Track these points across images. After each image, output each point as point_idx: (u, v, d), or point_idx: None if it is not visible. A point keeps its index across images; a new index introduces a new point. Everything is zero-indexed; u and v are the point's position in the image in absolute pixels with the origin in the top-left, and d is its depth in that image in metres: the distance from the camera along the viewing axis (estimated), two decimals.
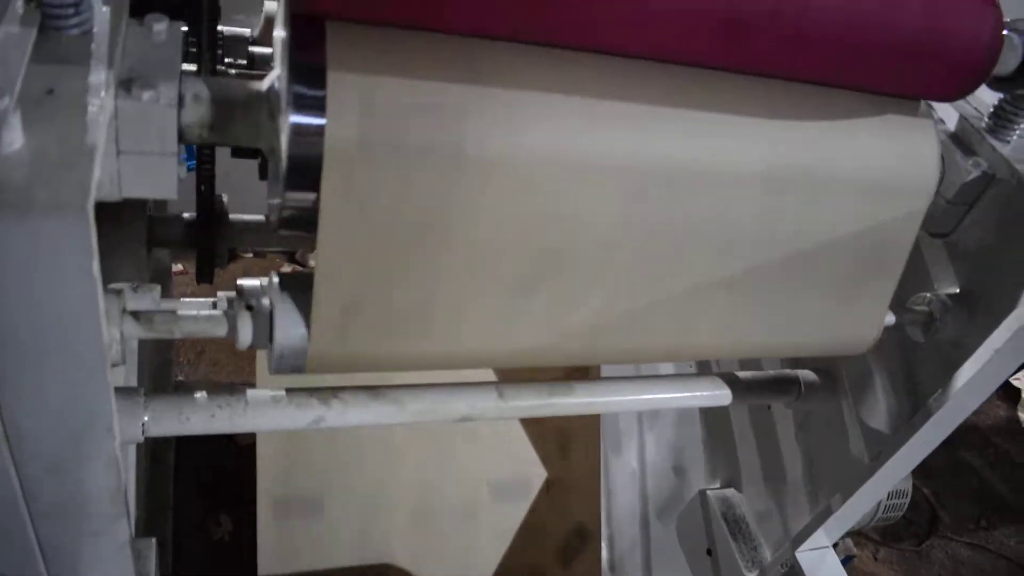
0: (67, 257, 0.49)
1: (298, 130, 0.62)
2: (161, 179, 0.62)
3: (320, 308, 0.66)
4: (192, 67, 0.86)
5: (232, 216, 0.97)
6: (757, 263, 0.79)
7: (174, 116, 0.59)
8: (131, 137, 0.59)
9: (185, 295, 1.93)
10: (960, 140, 0.92)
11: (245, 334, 0.69)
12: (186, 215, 0.97)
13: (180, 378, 1.63)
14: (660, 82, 0.70)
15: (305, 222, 0.65)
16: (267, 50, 1.08)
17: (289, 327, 0.68)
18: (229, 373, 1.68)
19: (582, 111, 0.68)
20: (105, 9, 0.61)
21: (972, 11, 0.76)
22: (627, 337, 0.78)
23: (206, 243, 0.93)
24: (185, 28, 0.90)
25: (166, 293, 1.38)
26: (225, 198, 0.96)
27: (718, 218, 0.74)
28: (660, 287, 0.76)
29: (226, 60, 1.06)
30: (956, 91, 0.81)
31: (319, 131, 0.61)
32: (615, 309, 0.75)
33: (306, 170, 0.62)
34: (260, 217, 0.99)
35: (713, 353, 0.89)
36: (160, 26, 0.64)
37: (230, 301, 0.80)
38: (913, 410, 1.01)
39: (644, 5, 0.63)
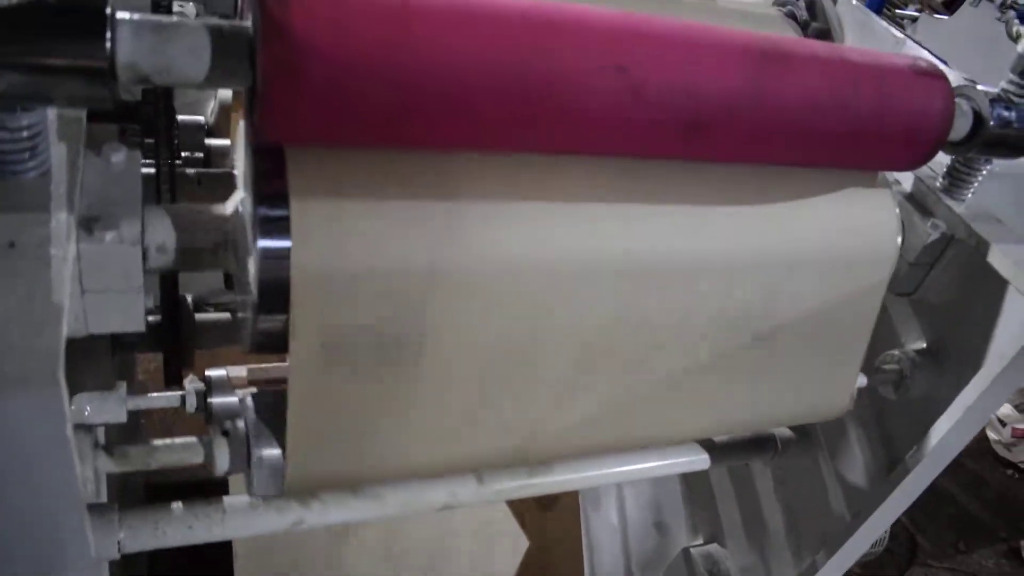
0: (39, 425, 0.48)
1: (267, 254, 0.61)
2: (128, 314, 0.61)
3: (295, 432, 0.65)
4: (151, 166, 0.85)
5: (198, 316, 0.95)
6: (729, 347, 0.79)
7: (138, 255, 0.58)
8: (95, 277, 0.58)
9: (149, 371, 1.88)
10: (917, 200, 0.94)
11: (222, 461, 0.68)
12: (151, 318, 0.95)
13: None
14: (625, 180, 0.71)
15: (277, 343, 0.64)
16: (224, 142, 1.08)
17: (265, 452, 0.67)
18: None
19: (549, 216, 0.68)
20: (61, 144, 0.60)
21: (923, 87, 0.77)
22: (606, 431, 0.78)
23: (172, 348, 0.91)
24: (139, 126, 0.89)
25: (131, 382, 1.35)
26: (189, 298, 0.95)
27: (689, 308, 0.75)
28: (638, 380, 0.76)
29: (183, 154, 1.05)
30: (913, 163, 0.83)
31: (288, 254, 0.60)
32: (595, 405, 0.75)
33: (277, 293, 0.61)
34: (226, 315, 0.97)
35: (692, 436, 0.90)
36: (118, 156, 0.63)
37: (199, 395, 0.79)
38: (890, 464, 1.02)
39: (611, 114, 0.64)
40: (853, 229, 0.82)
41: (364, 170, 0.62)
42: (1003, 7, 2.53)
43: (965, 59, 2.84)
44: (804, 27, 1.04)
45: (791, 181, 0.79)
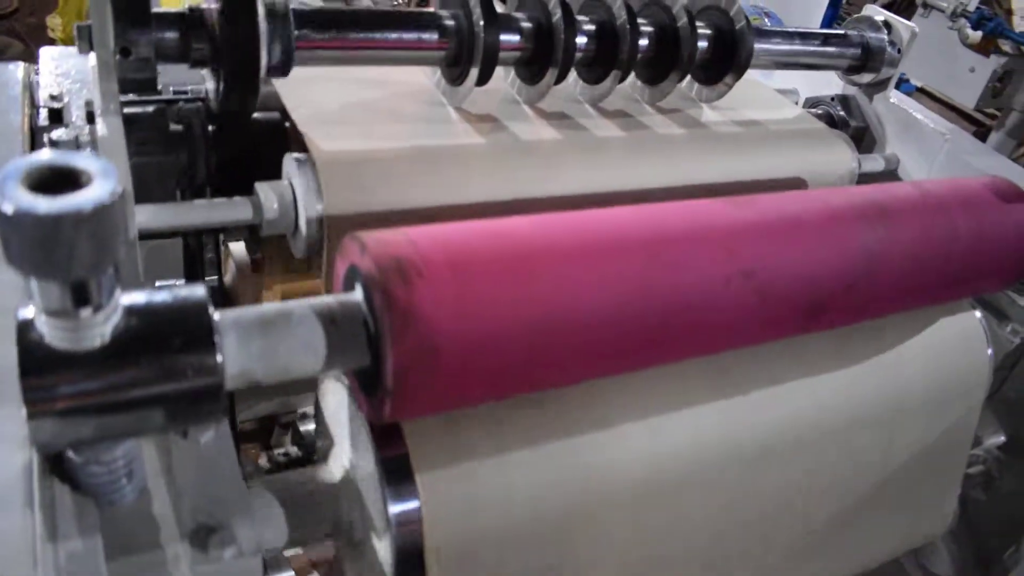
0: None
1: (400, 521, 0.55)
2: None
3: None
4: None
5: None
6: (847, 500, 0.76)
7: (259, 565, 0.52)
8: None
9: None
10: (990, 304, 0.91)
11: None
12: None
13: None
14: (737, 365, 0.67)
15: None
16: None
17: None
18: None
19: (669, 419, 0.63)
20: (149, 444, 0.54)
21: (1009, 213, 0.75)
22: None
23: None
24: None
25: None
26: None
27: (812, 474, 0.71)
28: (765, 550, 0.72)
29: None
30: (1006, 285, 0.80)
31: (419, 516, 0.55)
32: None
33: (412, 560, 0.56)
34: None
35: None
36: (207, 437, 0.57)
37: None
38: (982, 562, 0.99)
39: (736, 319, 0.59)
40: (949, 362, 0.79)
41: (484, 421, 0.57)
42: (954, 16, 2.57)
43: (922, 68, 2.87)
44: (841, 125, 1.01)
45: (890, 327, 0.75)
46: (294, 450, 0.91)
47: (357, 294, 0.51)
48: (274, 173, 0.71)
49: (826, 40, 0.95)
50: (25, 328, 0.42)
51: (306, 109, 0.73)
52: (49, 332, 0.42)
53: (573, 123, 0.80)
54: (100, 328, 0.43)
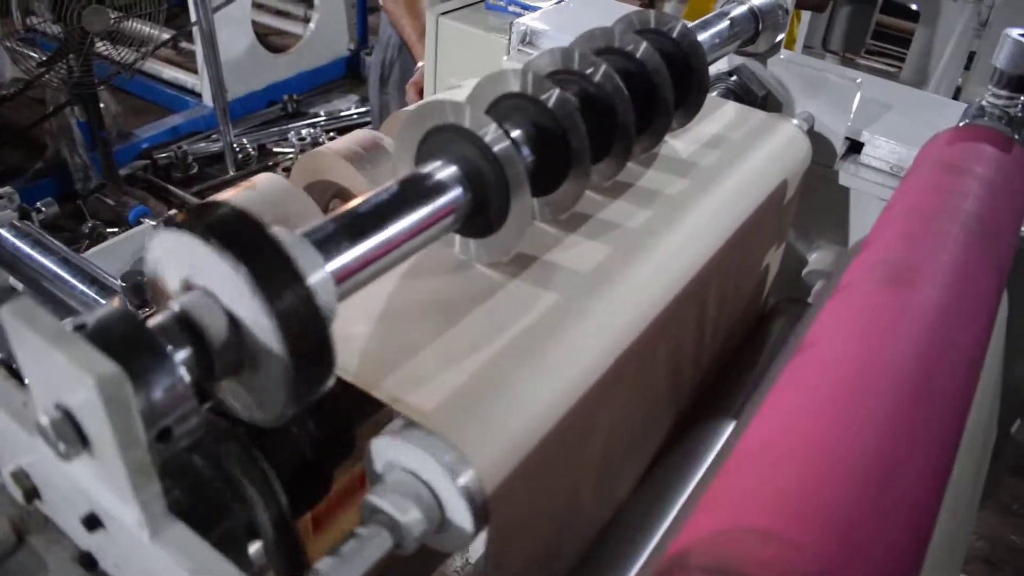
0: None
1: None
2: None
3: None
4: None
5: None
6: None
7: None
8: None
9: None
10: None
11: None
12: None
13: None
14: None
15: None
16: None
17: None
18: None
19: None
20: None
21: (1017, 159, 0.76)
22: None
23: None
24: None
25: None
26: None
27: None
28: None
29: None
30: None
31: None
32: None
33: None
34: None
35: None
36: None
37: None
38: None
39: None
40: None
41: None
42: None
43: None
44: (747, 98, 0.97)
45: None
46: None
47: None
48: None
49: (731, 23, 0.89)
50: None
51: (354, 360, 0.53)
52: None
53: (597, 221, 0.67)
54: None
